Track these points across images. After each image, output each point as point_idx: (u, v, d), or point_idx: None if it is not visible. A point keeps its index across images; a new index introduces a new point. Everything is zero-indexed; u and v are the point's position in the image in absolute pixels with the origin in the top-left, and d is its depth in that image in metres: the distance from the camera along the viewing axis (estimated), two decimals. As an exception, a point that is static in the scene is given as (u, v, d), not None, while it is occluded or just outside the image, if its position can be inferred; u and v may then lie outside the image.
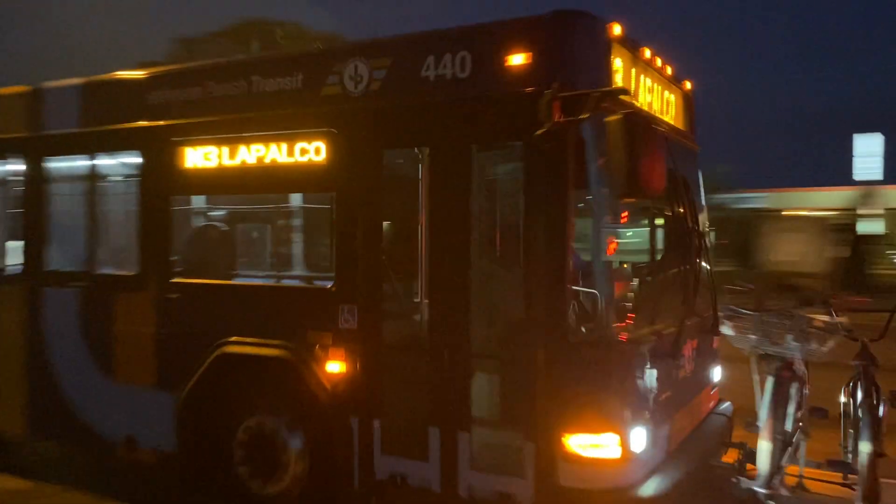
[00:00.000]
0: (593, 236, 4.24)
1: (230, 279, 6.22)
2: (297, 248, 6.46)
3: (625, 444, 4.19)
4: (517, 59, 4.32)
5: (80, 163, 6.13)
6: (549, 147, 4.15)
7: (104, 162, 6.05)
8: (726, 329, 5.23)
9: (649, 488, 4.28)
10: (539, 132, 4.10)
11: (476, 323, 4.54)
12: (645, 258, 6.00)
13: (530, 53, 4.28)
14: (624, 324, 4.31)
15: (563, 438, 4.20)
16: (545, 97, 4.11)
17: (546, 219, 4.23)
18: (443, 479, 4.58)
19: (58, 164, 6.27)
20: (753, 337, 4.97)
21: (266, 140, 5.18)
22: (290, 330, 5.03)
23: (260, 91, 5.23)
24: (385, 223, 4.92)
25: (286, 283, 6.29)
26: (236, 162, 5.34)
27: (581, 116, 4.01)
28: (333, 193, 5.02)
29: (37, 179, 6.25)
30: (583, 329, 4.28)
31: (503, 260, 5.02)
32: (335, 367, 4.88)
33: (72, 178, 6.25)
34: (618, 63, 4.47)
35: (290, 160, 5.11)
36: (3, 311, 6.40)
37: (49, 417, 6.19)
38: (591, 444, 4.18)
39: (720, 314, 5.33)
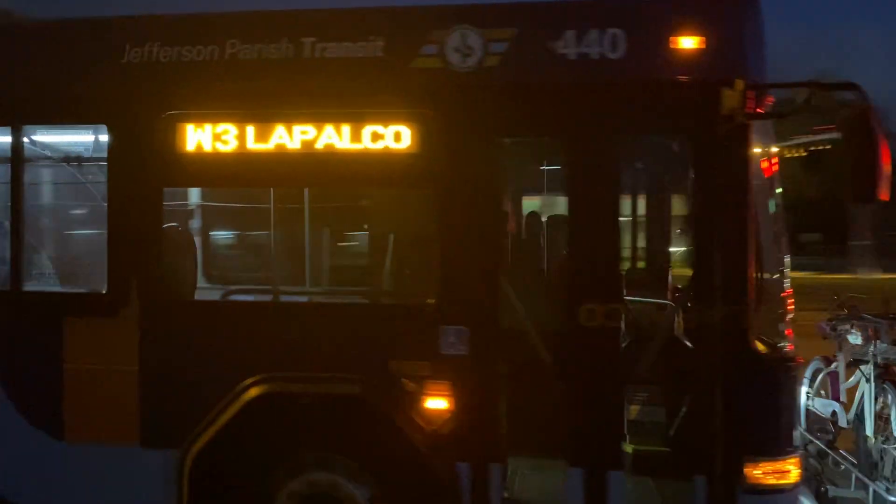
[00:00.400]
0: (768, 246, 3.88)
1: (254, 296, 4.86)
2: (352, 257, 5.22)
3: (799, 467, 3.89)
4: (687, 43, 3.80)
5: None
6: (734, 143, 3.72)
7: (45, 139, 4.40)
8: (854, 338, 5.16)
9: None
10: (730, 126, 3.65)
11: (628, 343, 3.95)
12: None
13: (704, 37, 3.79)
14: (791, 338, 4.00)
15: (745, 468, 3.78)
16: (738, 87, 3.67)
17: (727, 224, 3.77)
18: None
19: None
20: (884, 344, 4.95)
21: (318, 120, 4.08)
22: (362, 359, 3.99)
23: (314, 57, 4.09)
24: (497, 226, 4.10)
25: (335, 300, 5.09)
26: (269, 147, 4.14)
27: (788, 110, 3.63)
28: (430, 189, 4.08)
29: None
30: (768, 346, 3.89)
31: (652, 267, 4.46)
32: (437, 403, 3.96)
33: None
34: None
35: (357, 146, 4.06)
36: None
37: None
38: (774, 471, 3.81)
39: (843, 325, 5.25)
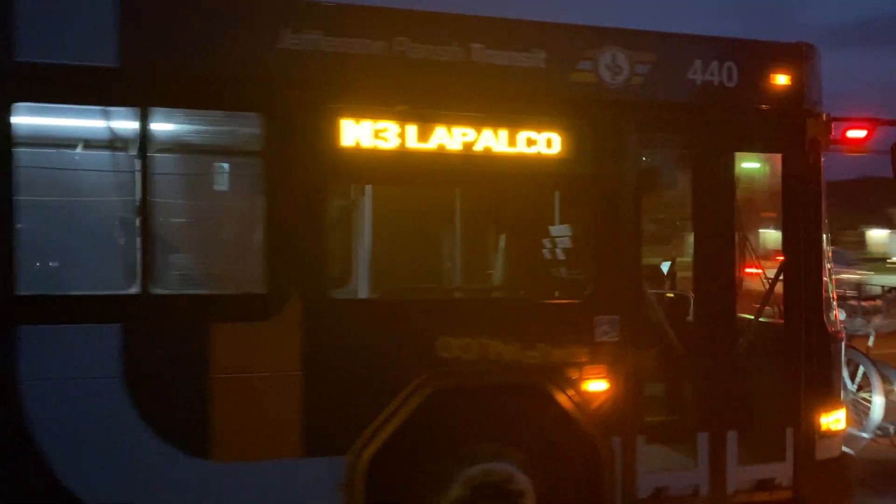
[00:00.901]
0: (816, 242, 4.92)
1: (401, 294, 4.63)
2: (499, 254, 5.12)
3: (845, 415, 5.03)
4: (781, 80, 4.70)
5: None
6: (813, 160, 4.71)
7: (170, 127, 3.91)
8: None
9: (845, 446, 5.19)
10: (813, 148, 4.65)
11: (738, 323, 4.74)
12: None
13: (791, 76, 4.72)
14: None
15: (818, 419, 4.78)
16: (823, 118, 4.66)
17: (806, 225, 4.74)
18: (711, 481, 4.61)
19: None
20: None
21: (477, 123, 4.25)
22: (527, 352, 4.27)
23: (481, 62, 4.24)
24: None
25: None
26: (429, 146, 4.21)
27: (859, 137, 4.71)
28: (585, 191, 4.46)
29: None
30: (829, 324, 4.92)
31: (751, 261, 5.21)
32: (596, 385, 4.37)
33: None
34: None
35: (512, 150, 4.32)
36: None
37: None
38: (835, 420, 4.87)
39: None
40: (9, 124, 3.58)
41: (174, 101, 3.88)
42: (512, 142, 4.31)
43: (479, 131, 4.26)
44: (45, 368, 3.65)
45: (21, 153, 3.64)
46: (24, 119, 3.70)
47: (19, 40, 3.60)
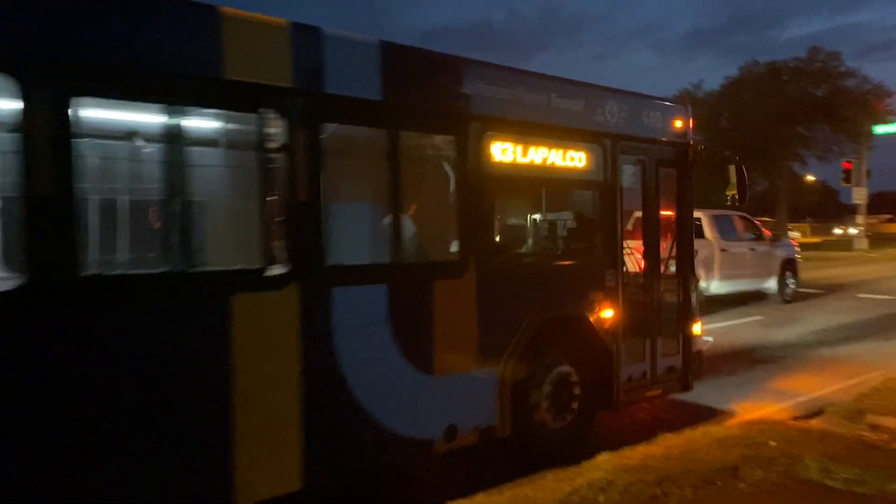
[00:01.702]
0: (691, 222, 8.09)
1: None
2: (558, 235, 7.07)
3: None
4: (678, 124, 7.73)
5: (376, 136, 5.30)
6: (691, 171, 7.87)
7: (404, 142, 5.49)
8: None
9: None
10: (693, 164, 7.80)
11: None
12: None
13: (682, 121, 7.77)
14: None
15: (692, 328, 7.96)
16: (699, 146, 7.82)
17: (688, 210, 7.87)
18: (650, 369, 7.51)
19: (342, 134, 5.12)
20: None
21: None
22: (579, 294, 6.73)
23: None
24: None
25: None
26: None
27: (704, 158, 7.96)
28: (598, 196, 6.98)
29: (305, 146, 4.92)
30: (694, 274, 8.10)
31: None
32: (607, 313, 6.97)
33: (358, 153, 5.22)
34: None
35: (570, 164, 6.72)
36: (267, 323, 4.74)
37: (338, 450, 5.12)
38: (698, 328, 8.10)
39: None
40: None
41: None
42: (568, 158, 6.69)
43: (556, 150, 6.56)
44: (350, 316, 5.11)
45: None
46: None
47: None
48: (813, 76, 47.41)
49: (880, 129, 42.93)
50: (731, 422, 7.58)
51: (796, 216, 67.71)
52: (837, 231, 71.55)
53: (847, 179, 42.03)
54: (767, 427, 6.95)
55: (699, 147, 7.91)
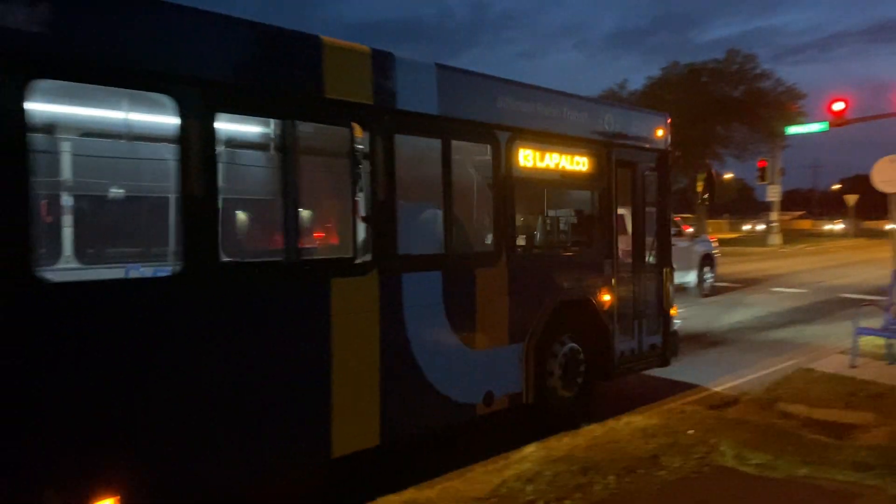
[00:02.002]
0: (669, 217, 9.24)
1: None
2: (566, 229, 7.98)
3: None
4: (660, 133, 8.87)
5: (428, 146, 6.19)
6: (668, 174, 9.03)
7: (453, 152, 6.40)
8: None
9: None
10: (669, 168, 8.96)
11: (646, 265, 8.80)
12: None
13: (663, 131, 8.91)
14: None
15: (670, 310, 9.12)
16: (672, 151, 8.98)
17: (666, 207, 9.02)
18: (639, 344, 8.63)
19: (406, 144, 5.98)
20: None
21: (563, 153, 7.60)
22: (584, 280, 7.78)
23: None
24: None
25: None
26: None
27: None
28: (601, 196, 8.02)
29: (383, 154, 5.79)
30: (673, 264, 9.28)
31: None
32: (607, 297, 8.05)
33: (416, 160, 6.10)
34: None
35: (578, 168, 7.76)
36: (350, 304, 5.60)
37: (406, 412, 6.02)
38: (674, 310, 9.27)
39: None
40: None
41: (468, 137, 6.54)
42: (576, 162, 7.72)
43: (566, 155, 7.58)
44: (415, 298, 6.01)
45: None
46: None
47: None
48: (731, 78, 49.90)
49: (792, 130, 45.78)
50: (650, 411, 7.74)
51: (714, 213, 71.17)
52: (746, 227, 75.63)
53: (763, 177, 44.68)
54: (686, 416, 7.33)
55: (676, 153, 9.06)
